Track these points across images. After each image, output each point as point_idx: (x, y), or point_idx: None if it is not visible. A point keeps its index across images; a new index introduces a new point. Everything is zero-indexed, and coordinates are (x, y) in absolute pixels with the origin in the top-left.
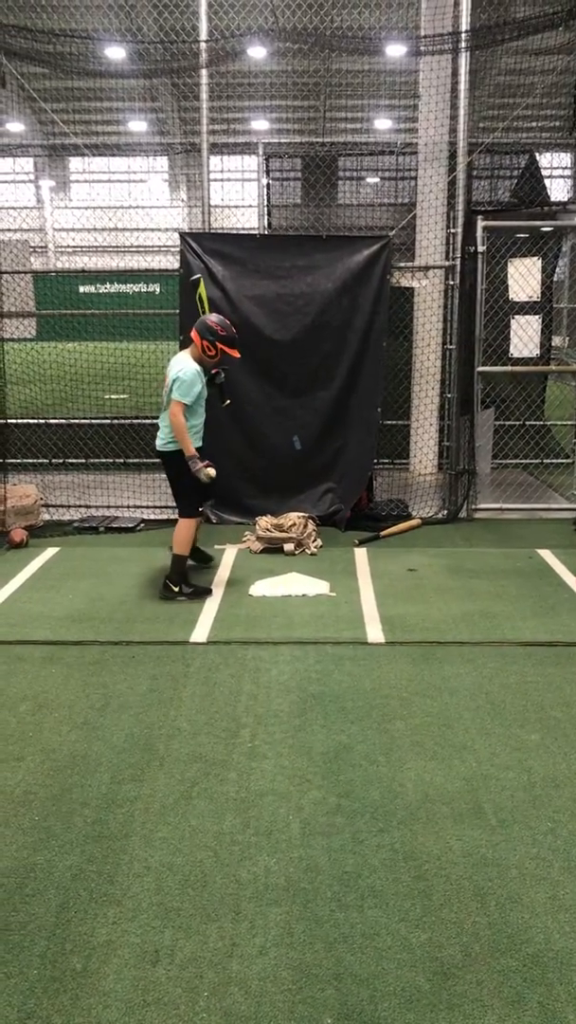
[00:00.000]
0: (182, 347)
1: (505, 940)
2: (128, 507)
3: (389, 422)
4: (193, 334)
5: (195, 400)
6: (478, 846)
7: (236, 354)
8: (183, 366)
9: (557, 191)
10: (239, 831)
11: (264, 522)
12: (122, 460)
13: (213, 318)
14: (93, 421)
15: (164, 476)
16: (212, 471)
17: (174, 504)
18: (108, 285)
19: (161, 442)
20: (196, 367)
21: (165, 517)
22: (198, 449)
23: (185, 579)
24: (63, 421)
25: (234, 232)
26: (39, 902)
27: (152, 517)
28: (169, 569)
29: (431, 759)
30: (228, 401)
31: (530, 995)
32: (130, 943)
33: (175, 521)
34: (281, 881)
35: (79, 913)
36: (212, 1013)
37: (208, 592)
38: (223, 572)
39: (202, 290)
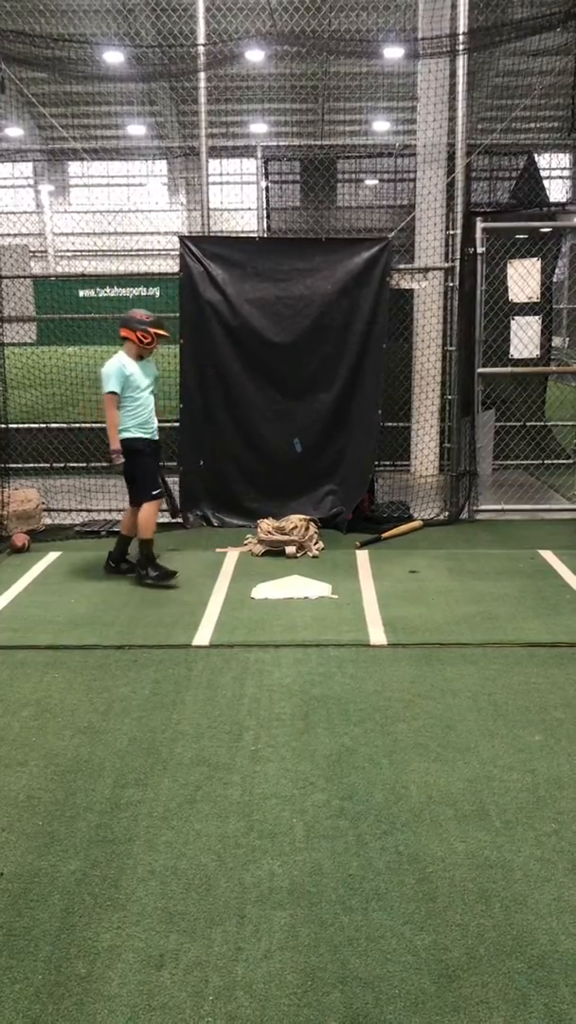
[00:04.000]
0: (182, 349)
1: (510, 942)
2: None
3: (390, 424)
4: (124, 332)
5: (123, 390)
6: (482, 848)
7: (165, 333)
8: (106, 363)
9: (556, 192)
10: (243, 834)
11: (266, 525)
12: None
13: (135, 311)
14: (94, 425)
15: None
16: (120, 459)
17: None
18: (108, 289)
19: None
20: (119, 361)
21: (165, 521)
22: (131, 439)
23: (152, 562)
24: (64, 425)
25: (233, 235)
26: (43, 907)
27: None
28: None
29: (434, 761)
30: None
31: (535, 997)
32: (135, 947)
33: (176, 525)
34: (285, 884)
35: (83, 918)
36: (217, 1017)
37: (173, 574)
38: (225, 575)
39: None
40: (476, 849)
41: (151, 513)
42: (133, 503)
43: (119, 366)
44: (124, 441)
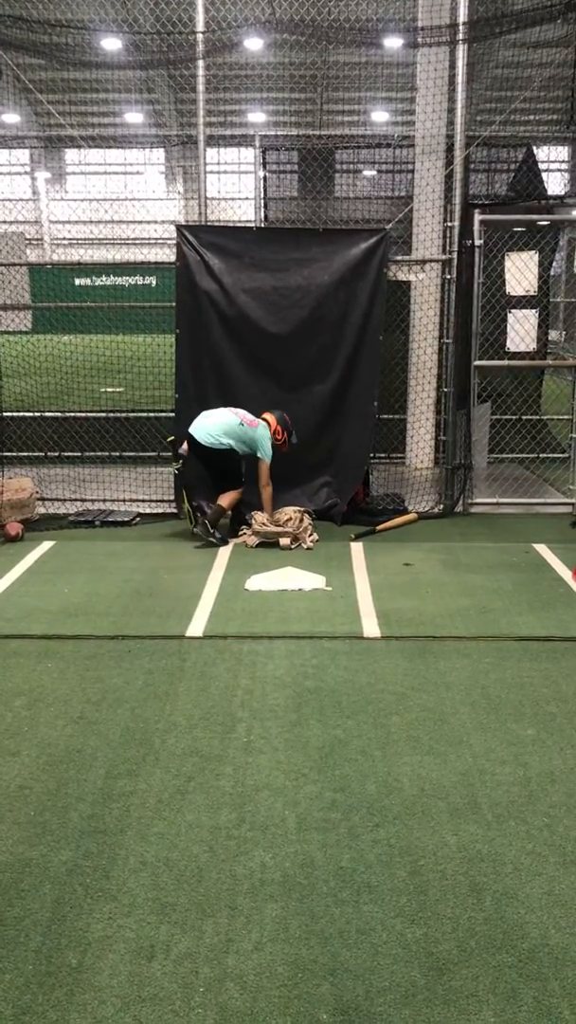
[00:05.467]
0: (178, 339)
1: (500, 935)
2: (124, 501)
3: (385, 416)
4: (271, 417)
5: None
6: (474, 841)
7: (284, 449)
8: (262, 427)
9: (554, 185)
10: (235, 826)
11: (260, 516)
12: (118, 454)
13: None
14: (89, 414)
15: (159, 470)
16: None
17: (169, 499)
18: (104, 278)
19: (211, 439)
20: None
21: (161, 511)
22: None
23: (218, 526)
24: (59, 414)
25: (231, 225)
26: (34, 897)
27: (148, 511)
28: (211, 518)
29: (427, 754)
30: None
31: (525, 990)
32: (125, 938)
33: (171, 515)
34: (277, 876)
35: (74, 908)
36: (208, 1008)
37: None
38: (219, 566)
39: None
40: (468, 842)
41: (238, 494)
42: (238, 486)
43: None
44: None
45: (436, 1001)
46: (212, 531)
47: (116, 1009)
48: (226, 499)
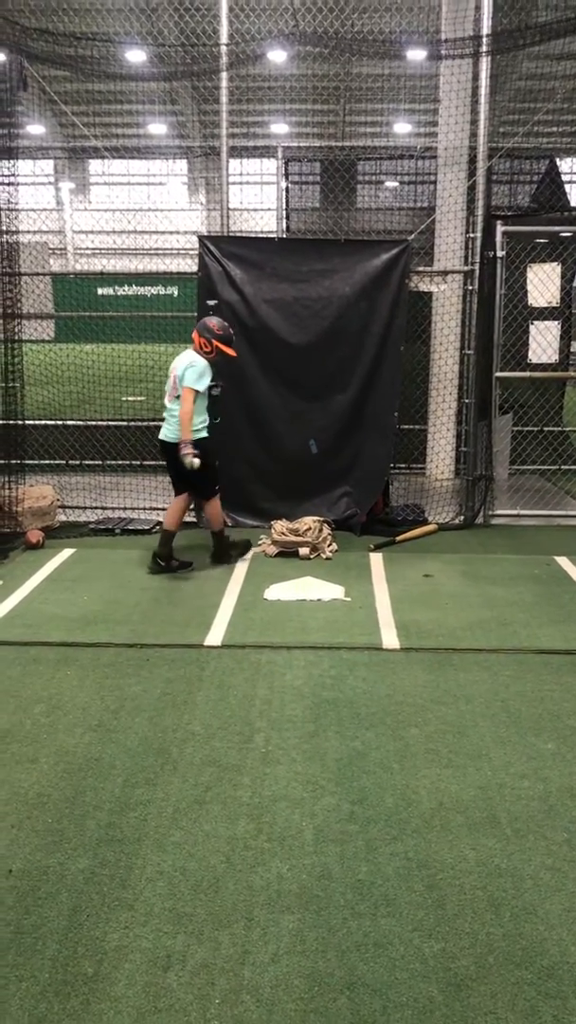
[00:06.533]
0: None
1: (519, 952)
2: (144, 509)
3: (406, 426)
4: (193, 334)
5: (204, 391)
6: (493, 856)
7: (232, 352)
8: (193, 358)
9: None
10: (252, 837)
11: (279, 526)
12: (139, 462)
13: (213, 319)
14: (110, 423)
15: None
16: (197, 461)
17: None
18: (126, 287)
19: (174, 433)
20: (204, 360)
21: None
22: (204, 440)
23: (234, 546)
24: (80, 423)
25: (253, 235)
26: (51, 905)
27: None
28: (217, 548)
29: (446, 767)
30: (218, 419)
31: (544, 1008)
32: (142, 948)
33: (190, 524)
34: (294, 888)
35: (91, 917)
36: (223, 1020)
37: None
38: (238, 576)
39: None
40: (486, 857)
41: (219, 506)
42: (204, 497)
43: (206, 365)
44: (198, 441)
45: (454, 1018)
46: (164, 564)
47: (131, 1020)
48: (170, 515)
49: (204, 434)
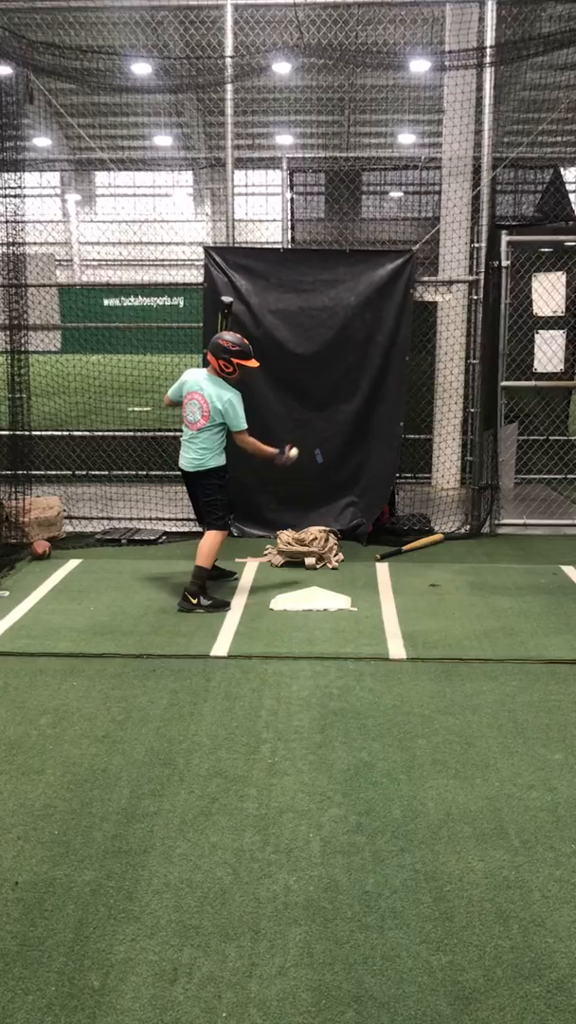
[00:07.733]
0: (205, 359)
1: (528, 964)
2: (150, 520)
3: (411, 436)
4: (209, 356)
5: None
6: (500, 867)
7: (254, 363)
8: (220, 391)
9: None
10: (259, 848)
11: (285, 536)
12: (145, 472)
13: (226, 336)
14: (116, 433)
15: (185, 490)
16: (295, 451)
17: (194, 518)
18: (132, 298)
19: (196, 463)
20: (233, 389)
21: (187, 530)
22: (224, 468)
23: (204, 591)
24: (86, 433)
25: (258, 246)
26: (58, 917)
27: (174, 530)
28: (190, 581)
29: (453, 778)
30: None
31: (553, 1022)
32: (148, 960)
33: (197, 534)
34: (301, 900)
35: (97, 929)
36: None
37: (226, 606)
38: (244, 586)
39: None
40: (494, 868)
41: (218, 542)
42: (208, 526)
43: (234, 392)
44: (221, 468)
45: None
46: (195, 603)
47: None
48: (202, 554)
49: (224, 461)
